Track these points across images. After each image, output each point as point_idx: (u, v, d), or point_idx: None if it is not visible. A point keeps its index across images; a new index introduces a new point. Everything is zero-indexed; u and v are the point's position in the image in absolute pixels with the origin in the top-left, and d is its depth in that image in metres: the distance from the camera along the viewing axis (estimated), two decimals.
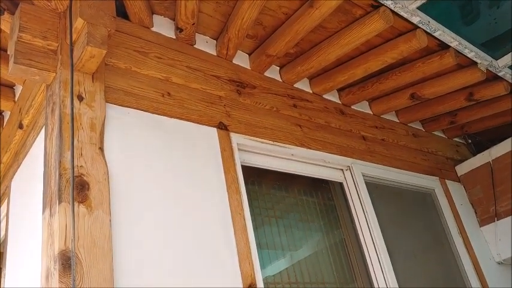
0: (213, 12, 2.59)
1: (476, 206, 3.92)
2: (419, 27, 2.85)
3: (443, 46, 3.07)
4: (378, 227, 2.94)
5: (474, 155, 4.16)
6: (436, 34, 2.92)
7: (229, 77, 2.70)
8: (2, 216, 2.73)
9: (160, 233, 1.91)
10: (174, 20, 2.56)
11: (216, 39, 2.75)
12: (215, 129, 2.42)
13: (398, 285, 2.80)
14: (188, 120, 2.33)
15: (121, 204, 1.85)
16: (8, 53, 2.02)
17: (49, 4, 2.09)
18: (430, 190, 3.70)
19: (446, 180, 3.85)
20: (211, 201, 2.17)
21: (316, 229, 2.87)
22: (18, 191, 2.43)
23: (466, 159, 4.11)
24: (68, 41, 2.03)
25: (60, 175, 1.74)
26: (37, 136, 2.24)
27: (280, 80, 3.05)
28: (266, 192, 2.73)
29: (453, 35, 2.96)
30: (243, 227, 2.20)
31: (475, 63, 3.23)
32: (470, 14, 3.00)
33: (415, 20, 2.78)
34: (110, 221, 1.76)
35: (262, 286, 2.12)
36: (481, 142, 4.44)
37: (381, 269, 2.80)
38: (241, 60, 2.86)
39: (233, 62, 2.80)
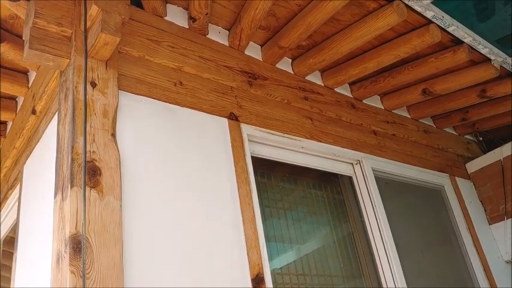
0: (227, 3, 2.59)
1: (485, 204, 3.90)
2: (433, 22, 2.83)
3: (457, 42, 3.04)
4: (387, 221, 2.93)
5: (485, 152, 4.14)
6: (449, 29, 2.91)
7: (241, 68, 2.70)
8: (14, 201, 2.77)
9: (170, 220, 1.92)
10: (187, 9, 2.57)
11: (229, 29, 2.75)
12: (226, 119, 2.43)
13: (406, 281, 2.80)
14: (199, 110, 2.34)
15: (132, 191, 1.86)
16: (23, 38, 2.04)
17: None
18: (439, 187, 3.69)
19: (456, 177, 3.84)
20: (221, 190, 2.18)
21: (325, 222, 2.87)
22: (30, 176, 2.45)
23: (477, 157, 4.08)
24: (82, 28, 2.04)
25: (72, 160, 1.76)
26: (50, 122, 2.26)
27: (292, 72, 3.05)
28: (275, 184, 2.73)
29: (467, 30, 2.94)
30: (251, 217, 2.21)
31: (489, 59, 3.20)
32: (485, 10, 2.97)
33: (429, 14, 2.76)
34: (121, 206, 1.78)
35: (270, 275, 2.13)
36: (492, 140, 4.41)
37: (389, 264, 2.80)
38: (253, 51, 2.86)
39: (245, 53, 2.80)
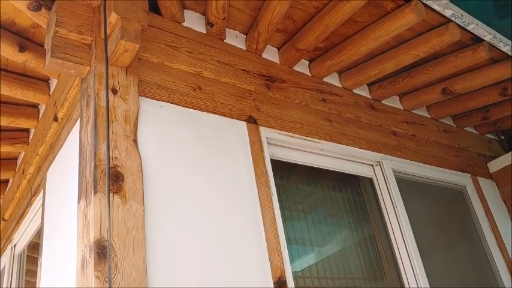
0: (243, 7, 2.60)
1: (508, 203, 3.84)
2: (452, 21, 2.80)
3: (477, 40, 3.01)
4: (408, 223, 2.90)
5: (507, 151, 4.08)
6: (469, 28, 2.87)
7: (258, 71, 2.70)
8: (37, 207, 2.81)
9: (191, 224, 1.93)
10: (204, 15, 2.58)
11: (246, 33, 2.76)
12: (245, 123, 2.44)
13: (429, 282, 2.77)
14: (218, 114, 2.35)
15: (154, 196, 1.88)
16: (45, 47, 2.07)
17: None
18: (461, 187, 3.65)
19: (478, 177, 3.79)
20: (241, 193, 2.18)
21: (345, 224, 2.86)
22: (54, 182, 2.49)
23: (499, 156, 4.02)
24: (102, 35, 2.07)
25: (95, 166, 1.78)
26: (71, 129, 2.29)
27: (310, 74, 3.04)
28: (295, 186, 2.73)
29: (487, 28, 2.90)
30: (272, 220, 2.21)
31: (510, 57, 3.15)
32: (504, 7, 2.93)
33: (447, 13, 2.73)
34: (144, 211, 1.79)
35: (292, 278, 2.13)
36: None
37: (411, 266, 2.78)
38: (271, 54, 2.87)
39: (262, 56, 2.81)
